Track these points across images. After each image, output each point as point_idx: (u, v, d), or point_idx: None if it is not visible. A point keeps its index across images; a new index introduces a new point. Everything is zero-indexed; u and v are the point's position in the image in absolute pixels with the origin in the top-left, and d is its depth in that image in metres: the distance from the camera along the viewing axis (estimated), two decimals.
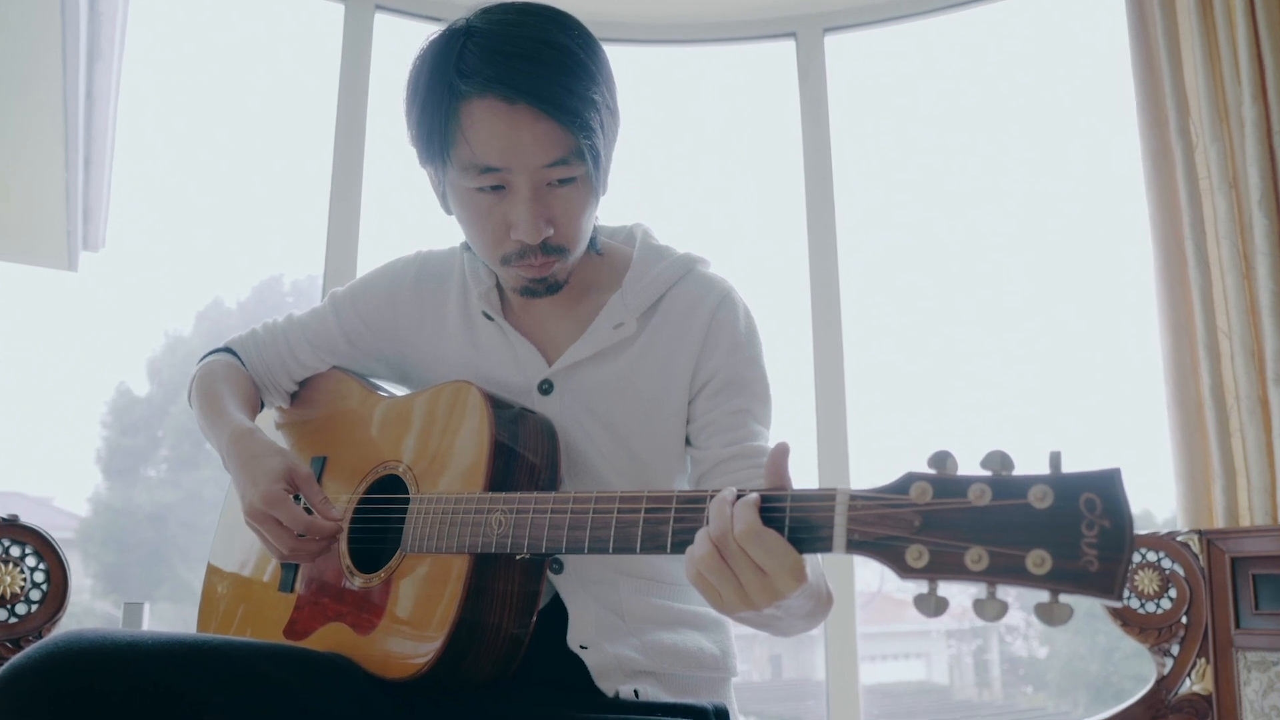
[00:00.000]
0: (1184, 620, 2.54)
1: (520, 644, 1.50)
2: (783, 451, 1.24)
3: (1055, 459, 0.99)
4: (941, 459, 1.05)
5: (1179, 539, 2.58)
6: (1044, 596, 0.96)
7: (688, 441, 1.70)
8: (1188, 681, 2.53)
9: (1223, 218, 2.79)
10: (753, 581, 1.17)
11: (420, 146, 1.59)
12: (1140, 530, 2.63)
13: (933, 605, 1.02)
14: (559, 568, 1.61)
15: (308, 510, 1.59)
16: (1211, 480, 2.75)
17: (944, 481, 1.04)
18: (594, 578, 1.63)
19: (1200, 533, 2.58)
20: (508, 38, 1.49)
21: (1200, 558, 2.55)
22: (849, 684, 3.17)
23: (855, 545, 1.09)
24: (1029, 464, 1.00)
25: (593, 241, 1.72)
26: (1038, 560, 0.96)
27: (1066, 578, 0.95)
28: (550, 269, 1.60)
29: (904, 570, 1.04)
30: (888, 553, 1.06)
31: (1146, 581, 2.57)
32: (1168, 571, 2.56)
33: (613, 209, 1.79)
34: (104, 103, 3.79)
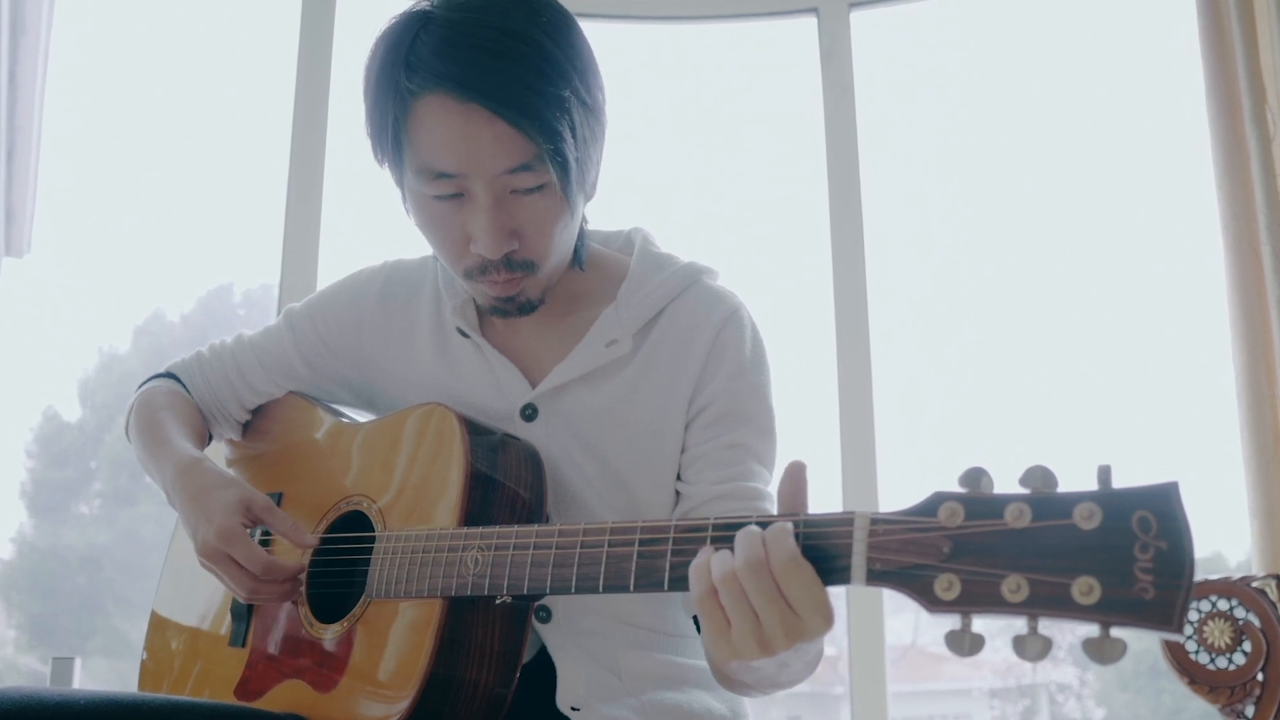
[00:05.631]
0: (1260, 677, 2.54)
1: (502, 703, 1.50)
2: (799, 470, 1.24)
3: (1104, 474, 0.99)
4: (975, 477, 1.05)
5: (1254, 584, 2.58)
6: (1093, 630, 0.96)
7: (677, 475, 1.69)
8: None
9: None
10: (775, 619, 1.16)
11: (374, 144, 1.60)
12: (1211, 574, 2.63)
13: (966, 643, 1.02)
14: (546, 616, 1.61)
15: (264, 543, 1.59)
16: None
17: (977, 501, 1.04)
18: (586, 629, 1.63)
19: (1278, 577, 2.58)
20: (465, 27, 1.48)
21: (1279, 606, 2.55)
22: None
23: (877, 576, 1.09)
24: (1076, 486, 1.00)
25: (577, 255, 1.72)
26: (1085, 588, 0.96)
27: (1118, 608, 0.95)
28: (518, 286, 1.60)
29: (933, 603, 1.04)
30: (914, 584, 1.06)
31: (1217, 633, 2.56)
32: (1241, 622, 2.56)
33: (613, 205, 1.80)
34: (29, 86, 3.79)
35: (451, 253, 1.59)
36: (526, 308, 1.64)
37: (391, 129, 1.53)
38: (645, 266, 1.74)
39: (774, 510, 1.60)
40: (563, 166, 1.51)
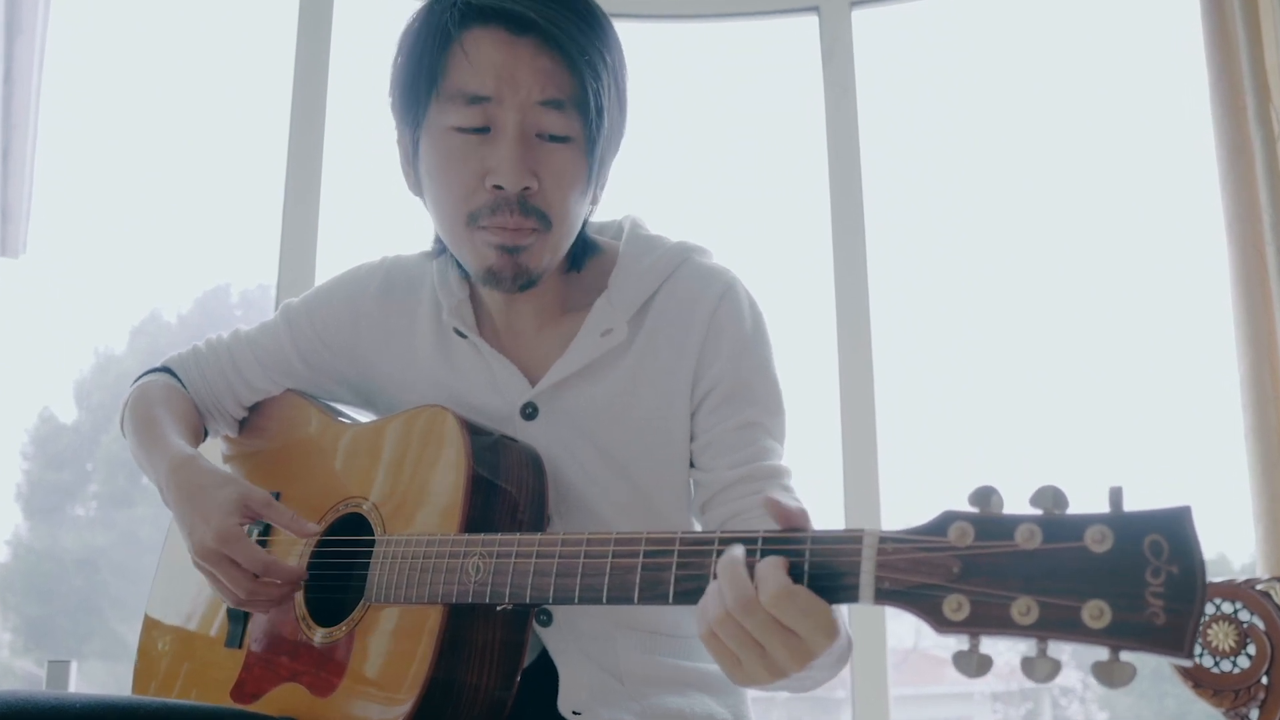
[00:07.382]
0: (1264, 681, 2.53)
1: (502, 707, 1.49)
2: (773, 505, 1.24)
3: (1116, 496, 0.98)
4: (985, 496, 1.04)
5: (1258, 587, 2.58)
6: (1103, 654, 0.95)
7: (690, 463, 1.69)
8: None
9: None
10: (780, 648, 1.16)
11: (403, 85, 1.60)
12: (1214, 578, 2.63)
13: (974, 664, 1.02)
14: (547, 620, 1.61)
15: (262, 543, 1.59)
16: None
17: (987, 521, 1.04)
18: (588, 632, 1.62)
19: None
20: None
21: None
22: None
23: (885, 595, 1.09)
24: (1086, 503, 1.00)
25: (577, 259, 1.71)
26: (1095, 612, 0.95)
27: (1128, 632, 0.94)
28: (525, 239, 1.57)
29: (941, 624, 1.04)
30: (923, 604, 1.06)
31: (1221, 636, 2.56)
32: (1245, 625, 2.56)
33: (612, 205, 1.79)
34: (25, 85, 3.79)
35: (461, 191, 1.57)
36: (524, 276, 1.60)
37: (434, 56, 1.55)
38: (634, 250, 1.73)
39: (793, 484, 1.60)
40: (593, 118, 1.55)
